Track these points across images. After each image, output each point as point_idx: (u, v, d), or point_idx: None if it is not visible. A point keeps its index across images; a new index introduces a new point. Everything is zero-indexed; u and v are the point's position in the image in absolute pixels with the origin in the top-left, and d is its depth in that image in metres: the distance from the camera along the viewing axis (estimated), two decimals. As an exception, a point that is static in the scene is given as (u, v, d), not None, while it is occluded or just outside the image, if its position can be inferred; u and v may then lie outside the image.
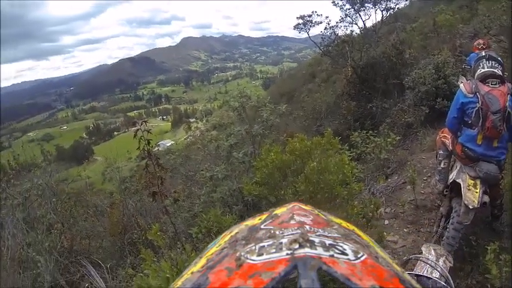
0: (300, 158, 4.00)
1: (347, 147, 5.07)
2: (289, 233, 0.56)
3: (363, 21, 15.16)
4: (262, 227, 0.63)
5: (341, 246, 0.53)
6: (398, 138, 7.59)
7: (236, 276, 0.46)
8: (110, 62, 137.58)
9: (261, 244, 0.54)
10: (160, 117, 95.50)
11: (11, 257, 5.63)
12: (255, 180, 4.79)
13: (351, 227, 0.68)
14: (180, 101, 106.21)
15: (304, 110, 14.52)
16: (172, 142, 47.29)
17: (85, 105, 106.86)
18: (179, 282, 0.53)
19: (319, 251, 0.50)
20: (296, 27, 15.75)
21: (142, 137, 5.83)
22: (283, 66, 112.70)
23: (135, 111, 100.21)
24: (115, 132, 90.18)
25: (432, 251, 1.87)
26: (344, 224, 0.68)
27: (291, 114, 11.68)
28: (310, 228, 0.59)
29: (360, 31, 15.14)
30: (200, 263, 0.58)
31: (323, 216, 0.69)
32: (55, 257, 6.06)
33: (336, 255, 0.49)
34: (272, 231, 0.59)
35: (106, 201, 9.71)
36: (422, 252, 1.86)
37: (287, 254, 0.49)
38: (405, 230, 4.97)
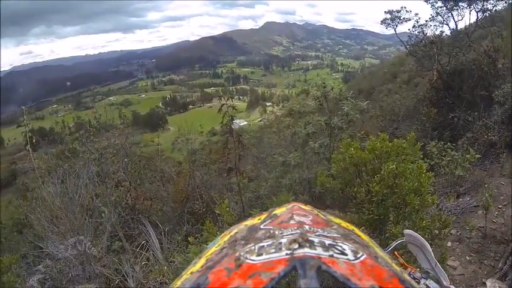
0: (379, 158, 4.06)
1: (421, 156, 5.14)
2: (289, 233, 0.58)
3: (455, 22, 14.30)
4: (261, 227, 0.65)
5: (340, 246, 0.54)
6: (478, 157, 7.23)
7: (235, 276, 0.48)
8: (192, 38, 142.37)
9: (261, 244, 0.56)
10: (237, 96, 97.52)
11: (81, 204, 6.47)
12: (329, 172, 4.98)
13: (351, 227, 0.70)
14: (258, 83, 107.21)
15: (381, 110, 14.24)
16: (246, 122, 48.39)
17: (164, 77, 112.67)
18: (179, 282, 0.55)
19: (319, 251, 0.51)
20: (383, 22, 15.14)
21: (226, 112, 6.33)
22: (365, 62, 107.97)
23: (212, 88, 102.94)
24: (190, 106, 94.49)
25: (497, 289, 1.92)
26: (343, 224, 0.70)
27: (368, 112, 11.47)
28: (310, 228, 0.60)
29: (451, 33, 14.35)
30: (200, 263, 0.60)
31: (322, 216, 0.71)
32: (118, 211, 6.84)
33: (335, 255, 0.51)
34: (271, 231, 0.61)
35: (174, 169, 10.51)
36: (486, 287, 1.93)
37: (286, 254, 0.50)
38: (468, 257, 4.86)
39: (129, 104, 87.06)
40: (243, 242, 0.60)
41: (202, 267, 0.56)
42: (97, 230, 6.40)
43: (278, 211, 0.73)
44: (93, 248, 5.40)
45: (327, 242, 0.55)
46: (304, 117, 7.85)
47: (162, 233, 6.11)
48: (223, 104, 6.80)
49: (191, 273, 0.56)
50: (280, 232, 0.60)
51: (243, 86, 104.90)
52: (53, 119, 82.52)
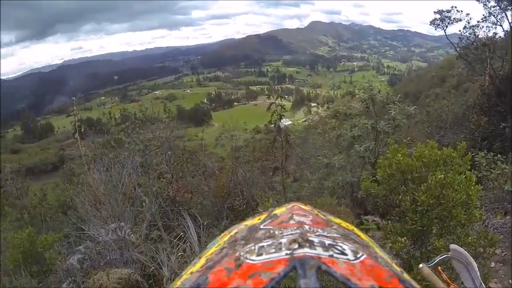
0: (426, 166, 3.95)
1: (468, 167, 4.96)
2: (289, 233, 0.59)
3: (510, 23, 13.35)
4: (261, 227, 0.65)
5: (340, 246, 0.55)
6: (530, 172, 6.76)
7: (235, 276, 0.48)
8: (237, 37, 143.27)
9: (261, 244, 0.56)
10: (282, 96, 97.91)
11: (123, 192, 6.82)
12: (374, 178, 4.87)
13: (350, 227, 0.71)
14: (303, 83, 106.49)
15: (428, 116, 13.75)
16: (290, 122, 48.38)
17: (209, 73, 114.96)
18: (178, 282, 0.56)
19: (319, 251, 0.52)
20: (432, 22, 14.50)
21: (275, 111, 6.38)
22: (412, 65, 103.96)
23: (257, 86, 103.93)
24: (235, 103, 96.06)
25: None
26: (343, 224, 0.71)
27: (414, 118, 11.07)
28: (310, 228, 0.61)
29: (504, 34, 13.46)
30: (199, 263, 0.61)
31: (322, 216, 0.72)
32: (159, 202, 7.05)
33: (335, 255, 0.52)
34: (271, 231, 0.61)
35: (216, 164, 10.71)
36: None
37: (286, 254, 0.51)
38: (511, 281, 4.67)
39: (174, 99, 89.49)
40: (243, 242, 0.61)
41: (202, 267, 0.57)
42: (137, 218, 6.66)
43: (278, 211, 0.74)
44: (132, 235, 5.60)
45: (327, 242, 0.56)
46: (350, 120, 7.72)
47: (201, 226, 6.18)
48: (272, 103, 6.84)
49: (191, 273, 0.57)
50: (280, 232, 0.60)
51: (288, 86, 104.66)
52: (100, 110, 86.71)
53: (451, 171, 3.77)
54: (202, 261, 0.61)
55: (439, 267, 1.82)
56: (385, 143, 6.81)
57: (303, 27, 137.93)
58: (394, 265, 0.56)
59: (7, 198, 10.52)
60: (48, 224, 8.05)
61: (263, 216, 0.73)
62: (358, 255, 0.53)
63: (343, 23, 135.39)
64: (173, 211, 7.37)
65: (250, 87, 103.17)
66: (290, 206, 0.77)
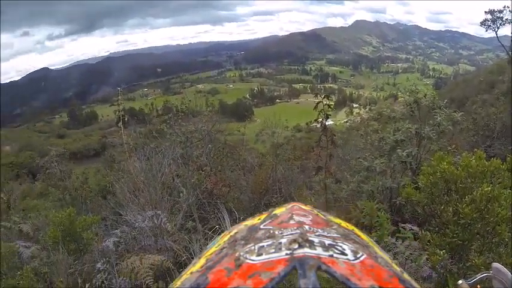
0: (472, 177, 3.80)
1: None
2: (289, 233, 0.60)
3: None
4: (261, 227, 0.66)
5: (340, 246, 0.56)
6: None
7: (235, 276, 0.49)
8: (281, 33, 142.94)
9: (261, 244, 0.57)
10: (324, 95, 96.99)
11: (162, 181, 6.98)
12: (415, 185, 4.65)
13: (350, 227, 0.71)
14: (346, 83, 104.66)
15: (474, 124, 12.99)
16: (332, 122, 47.85)
17: (252, 69, 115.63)
18: (178, 282, 0.56)
19: (319, 251, 0.53)
20: (483, 23, 13.82)
21: (322, 110, 6.30)
22: (459, 68, 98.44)
23: (300, 84, 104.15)
24: (277, 100, 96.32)
25: None
26: (343, 224, 0.71)
27: (459, 125, 10.49)
28: (310, 228, 0.62)
29: None
30: (199, 263, 0.61)
31: (322, 216, 0.72)
32: (196, 193, 7.12)
33: (335, 255, 0.52)
34: (271, 231, 0.62)
35: (256, 160, 10.75)
36: None
37: (286, 254, 0.52)
38: None
39: (216, 93, 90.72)
40: (242, 242, 0.62)
41: (202, 267, 0.58)
42: (173, 208, 6.80)
43: (278, 211, 0.75)
44: (167, 224, 5.70)
45: (327, 242, 0.57)
46: (393, 123, 7.48)
47: (237, 220, 6.19)
48: (320, 102, 6.76)
49: (191, 273, 0.57)
50: (280, 232, 0.61)
51: (331, 85, 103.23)
52: (142, 101, 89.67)
53: (498, 185, 3.61)
54: (202, 261, 0.62)
55: (478, 286, 1.77)
56: (428, 149, 6.53)
57: (346, 25, 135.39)
58: (394, 265, 0.57)
59: (51, 179, 11.15)
60: (88, 206, 8.39)
61: (263, 216, 0.74)
62: (358, 255, 0.54)
63: (388, 22, 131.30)
64: (210, 203, 7.47)
65: (293, 85, 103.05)
66: (290, 206, 0.77)
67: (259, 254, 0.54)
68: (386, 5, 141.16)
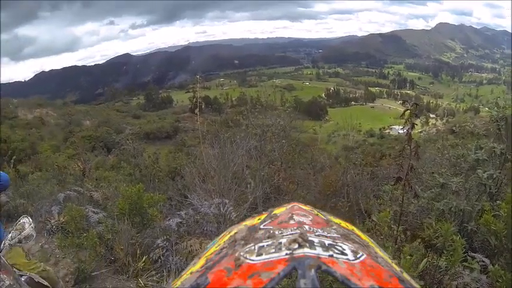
0: None
1: None
2: (289, 233, 0.59)
3: None
4: (261, 227, 0.66)
5: (340, 246, 0.55)
6: None
7: (235, 276, 0.49)
8: (359, 34, 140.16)
9: (260, 244, 0.57)
10: (401, 101, 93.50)
11: (233, 172, 7.03)
12: (496, 212, 4.35)
13: (350, 227, 0.72)
14: (424, 91, 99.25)
15: None
16: (405, 131, 46.07)
17: (330, 68, 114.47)
18: (178, 282, 0.57)
19: (318, 251, 0.52)
20: None
21: (409, 119, 5.94)
22: None
23: (376, 88, 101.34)
24: (352, 102, 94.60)
25: None
26: (343, 224, 0.72)
27: None
28: (310, 228, 0.62)
29: None
30: (199, 263, 0.62)
31: (322, 216, 0.73)
32: (264, 187, 7.15)
33: (335, 255, 0.52)
34: (271, 231, 0.62)
35: (328, 161, 10.55)
36: None
37: (286, 254, 0.52)
38: None
39: (292, 89, 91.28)
40: (242, 242, 0.62)
41: (202, 267, 0.58)
42: (239, 199, 6.80)
43: (278, 211, 0.76)
44: (233, 213, 5.67)
45: (327, 242, 0.57)
46: (476, 140, 6.88)
47: None
48: (407, 110, 6.38)
49: (191, 273, 0.57)
50: (280, 232, 0.61)
51: (408, 91, 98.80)
52: (218, 91, 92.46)
53: None
54: (202, 261, 0.62)
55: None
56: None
57: (428, 28, 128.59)
58: (394, 265, 0.57)
59: (124, 154, 11.85)
60: (155, 185, 8.68)
61: (263, 216, 0.74)
62: (358, 255, 0.54)
63: (474, 26, 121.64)
64: (276, 199, 7.46)
65: (369, 88, 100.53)
66: (290, 206, 0.79)
67: (259, 254, 0.54)
68: (473, 6, 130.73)
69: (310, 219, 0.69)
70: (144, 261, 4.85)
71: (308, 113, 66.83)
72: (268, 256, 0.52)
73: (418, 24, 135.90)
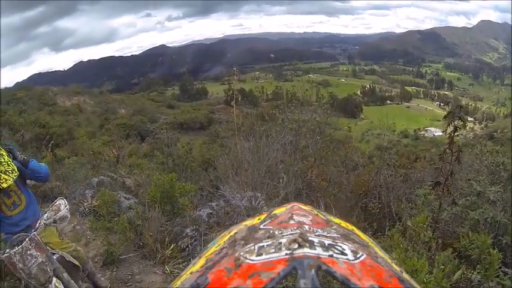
0: None
1: None
2: (289, 233, 0.60)
3: None
4: (261, 227, 0.67)
5: (340, 246, 0.56)
6: None
7: (235, 276, 0.49)
8: (397, 30, 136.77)
9: (260, 244, 0.58)
10: (438, 102, 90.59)
11: (267, 166, 7.02)
12: None
13: (350, 227, 0.72)
14: (463, 92, 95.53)
15: None
16: (441, 133, 44.75)
17: (366, 66, 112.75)
18: (178, 282, 0.56)
19: (318, 251, 0.53)
20: None
21: (453, 122, 5.75)
22: None
23: (413, 88, 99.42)
24: (387, 101, 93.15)
25: None
26: (343, 224, 0.72)
27: None
28: (310, 228, 0.63)
29: None
30: (199, 263, 0.62)
31: (322, 216, 0.73)
32: (297, 182, 7.03)
33: (335, 255, 0.53)
34: (271, 231, 0.63)
35: (361, 160, 10.39)
36: None
37: (286, 254, 0.52)
38: None
39: (327, 85, 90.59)
40: (242, 242, 0.62)
41: (201, 267, 0.58)
42: (271, 193, 6.74)
43: (278, 211, 0.76)
44: (264, 207, 5.65)
45: (327, 242, 0.57)
46: None
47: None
48: (451, 112, 6.19)
49: (191, 273, 0.58)
50: (279, 232, 0.62)
51: (446, 92, 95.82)
52: (253, 84, 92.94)
53: None
54: (202, 261, 0.62)
55: None
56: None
57: (470, 26, 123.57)
58: (394, 265, 0.58)
59: (158, 143, 12.06)
60: (187, 174, 8.78)
61: (263, 216, 0.74)
62: (358, 255, 0.54)
63: None
64: (308, 195, 7.39)
65: (405, 87, 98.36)
66: (290, 206, 0.79)
67: (259, 254, 0.54)
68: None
69: (310, 219, 0.69)
70: (172, 249, 4.91)
71: (343, 110, 66.26)
72: (268, 256, 0.53)
73: (459, 22, 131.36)
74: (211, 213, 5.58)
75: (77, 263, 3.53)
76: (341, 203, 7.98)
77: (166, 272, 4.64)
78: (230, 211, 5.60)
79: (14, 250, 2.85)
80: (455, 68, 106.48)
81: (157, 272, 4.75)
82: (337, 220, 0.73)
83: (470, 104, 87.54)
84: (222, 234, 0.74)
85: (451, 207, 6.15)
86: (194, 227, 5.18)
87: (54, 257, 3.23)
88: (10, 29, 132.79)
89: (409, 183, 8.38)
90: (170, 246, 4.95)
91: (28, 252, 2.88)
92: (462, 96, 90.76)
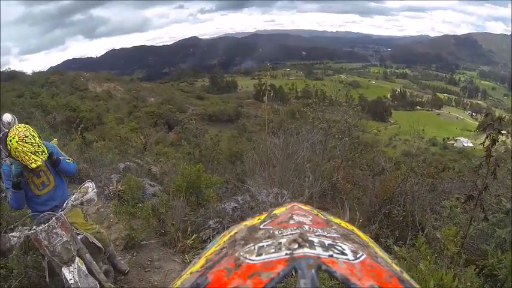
0: None
1: None
2: (288, 233, 0.60)
3: None
4: (261, 227, 0.67)
5: (340, 246, 0.56)
6: None
7: (235, 276, 0.49)
8: (432, 34, 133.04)
9: (260, 244, 0.58)
10: (469, 112, 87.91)
11: (295, 164, 6.99)
12: None
13: (350, 226, 0.72)
14: (497, 103, 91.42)
15: None
16: (472, 144, 43.54)
17: (398, 69, 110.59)
18: (178, 282, 0.57)
19: (318, 251, 0.53)
20: None
21: (491, 134, 5.53)
22: None
23: (445, 95, 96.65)
24: (417, 107, 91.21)
25: None
26: (343, 224, 0.72)
27: None
28: (309, 228, 0.62)
29: None
30: (199, 263, 0.62)
31: (322, 216, 0.73)
32: (322, 183, 6.96)
33: (335, 255, 0.53)
34: (271, 231, 0.63)
35: (388, 165, 10.22)
36: None
37: (286, 254, 0.52)
38: None
39: (357, 86, 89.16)
40: (242, 242, 0.62)
41: (201, 267, 0.58)
42: (297, 191, 6.69)
43: (278, 211, 0.76)
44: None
45: (327, 242, 0.57)
46: None
47: (356, 222, 5.92)
48: (490, 124, 5.97)
49: (191, 273, 0.58)
50: (279, 232, 0.61)
51: (479, 102, 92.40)
52: (283, 80, 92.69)
53: None
54: (202, 261, 0.62)
55: None
56: None
57: (508, 33, 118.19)
58: (394, 265, 0.57)
59: (186, 133, 12.18)
60: (214, 166, 8.81)
61: (263, 216, 0.74)
62: (358, 255, 0.54)
63: None
64: (333, 196, 7.39)
65: (437, 93, 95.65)
66: (290, 206, 0.79)
67: (259, 254, 0.54)
68: None
69: (310, 219, 0.69)
70: (193, 239, 4.94)
71: (372, 113, 65.18)
72: (268, 256, 0.53)
73: (497, 28, 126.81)
74: (235, 206, 5.57)
75: (99, 244, 3.59)
76: (365, 207, 7.90)
77: (185, 261, 4.66)
78: (255, 206, 5.56)
79: (41, 227, 2.93)
80: (490, 76, 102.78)
81: (177, 260, 4.79)
82: (337, 220, 0.73)
83: (504, 115, 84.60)
84: (222, 234, 0.74)
85: (481, 223, 5.98)
86: (218, 219, 5.19)
87: (78, 237, 3.31)
88: (46, 15, 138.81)
89: (435, 194, 8.21)
90: (192, 236, 4.97)
91: (54, 230, 2.97)
92: (496, 107, 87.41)
